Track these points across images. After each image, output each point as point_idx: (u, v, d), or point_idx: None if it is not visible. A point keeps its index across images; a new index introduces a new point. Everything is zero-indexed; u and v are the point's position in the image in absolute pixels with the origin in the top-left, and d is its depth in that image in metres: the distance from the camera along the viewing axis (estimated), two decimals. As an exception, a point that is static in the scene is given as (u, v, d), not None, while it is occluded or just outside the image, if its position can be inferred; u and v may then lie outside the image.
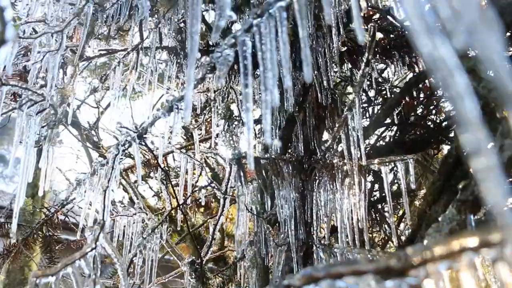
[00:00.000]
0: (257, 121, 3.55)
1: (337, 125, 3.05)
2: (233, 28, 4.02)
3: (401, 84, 4.78)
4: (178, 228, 3.26)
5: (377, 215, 4.42)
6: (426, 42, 0.59)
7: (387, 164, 2.54)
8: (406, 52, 3.22)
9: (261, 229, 2.86)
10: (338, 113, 3.45)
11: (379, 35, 3.49)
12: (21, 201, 1.96)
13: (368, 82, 3.89)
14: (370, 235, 4.51)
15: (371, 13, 3.66)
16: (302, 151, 2.96)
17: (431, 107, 4.41)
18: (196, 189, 3.02)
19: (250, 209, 2.81)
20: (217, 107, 3.50)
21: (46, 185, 2.28)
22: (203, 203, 3.50)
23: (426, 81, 3.48)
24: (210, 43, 3.84)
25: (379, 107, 4.55)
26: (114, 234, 3.12)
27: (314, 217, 2.79)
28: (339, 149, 3.26)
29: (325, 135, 3.62)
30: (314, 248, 2.76)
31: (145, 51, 3.85)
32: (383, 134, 4.63)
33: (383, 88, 4.35)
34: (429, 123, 4.45)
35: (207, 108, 3.98)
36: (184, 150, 3.30)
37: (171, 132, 2.29)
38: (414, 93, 3.84)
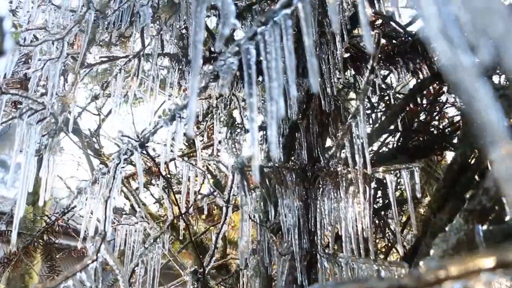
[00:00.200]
0: (260, 128, 3.52)
1: (340, 132, 3.01)
2: (235, 35, 4.00)
3: (403, 90, 4.76)
4: (181, 238, 3.23)
5: (380, 222, 4.38)
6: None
7: (392, 172, 2.50)
8: (410, 58, 3.20)
9: (264, 237, 2.82)
10: (341, 120, 3.43)
11: (382, 41, 3.46)
12: (21, 212, 1.93)
13: (371, 88, 3.86)
14: (374, 242, 4.47)
15: (373, 18, 3.64)
16: (306, 159, 2.92)
17: (434, 114, 4.38)
18: (199, 198, 2.99)
19: (253, 218, 2.78)
20: (219, 114, 3.48)
21: (47, 195, 2.24)
22: (205, 212, 3.46)
23: (430, 87, 3.45)
24: (212, 49, 3.81)
25: (382, 113, 4.52)
26: (115, 243, 3.09)
27: (318, 226, 2.75)
28: (343, 156, 3.23)
29: (328, 142, 3.59)
30: (318, 257, 2.72)
31: (146, 58, 3.83)
32: (386, 141, 4.60)
33: (386, 94, 4.33)
34: (432, 129, 4.42)
35: (209, 115, 3.95)
36: (186, 158, 3.26)
37: (173, 139, 2.26)
38: (418, 99, 3.81)
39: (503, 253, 0.59)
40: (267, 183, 2.68)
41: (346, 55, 3.34)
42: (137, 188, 4.30)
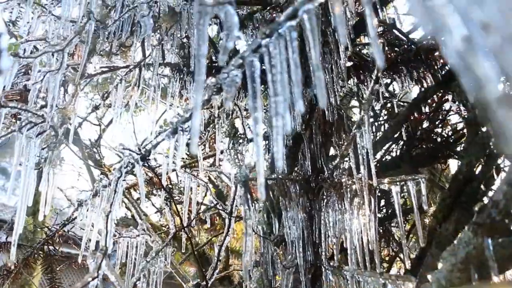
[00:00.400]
0: (263, 137, 3.48)
1: (344, 142, 2.98)
2: (236, 43, 3.97)
3: (405, 97, 4.73)
4: (183, 251, 3.19)
5: (384, 231, 4.34)
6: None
7: (397, 183, 2.46)
8: (414, 67, 3.16)
9: (268, 250, 2.78)
10: (344, 129, 3.39)
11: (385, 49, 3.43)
12: (20, 228, 1.89)
13: (374, 97, 3.83)
14: (378, 251, 4.42)
15: (376, 26, 3.60)
16: (309, 170, 2.89)
17: (438, 122, 4.34)
18: (201, 211, 2.95)
19: (256, 230, 2.74)
20: (221, 124, 3.44)
21: (47, 209, 2.21)
22: (208, 224, 3.42)
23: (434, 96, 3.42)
24: (214, 58, 3.78)
25: (385, 121, 4.49)
26: (117, 255, 3.04)
27: (323, 238, 2.71)
28: (347, 166, 3.19)
29: (332, 151, 3.55)
30: (323, 270, 2.68)
31: (147, 67, 3.80)
32: (390, 149, 4.56)
33: (389, 101, 4.29)
34: (436, 137, 4.39)
35: (211, 125, 3.92)
36: (188, 168, 3.22)
37: (175, 149, 2.22)
38: (422, 108, 3.78)
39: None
40: (271, 195, 2.64)
41: (349, 63, 3.31)
42: (138, 199, 4.26)
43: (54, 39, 2.71)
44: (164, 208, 3.65)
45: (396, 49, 3.48)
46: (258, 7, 3.89)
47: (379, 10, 2.91)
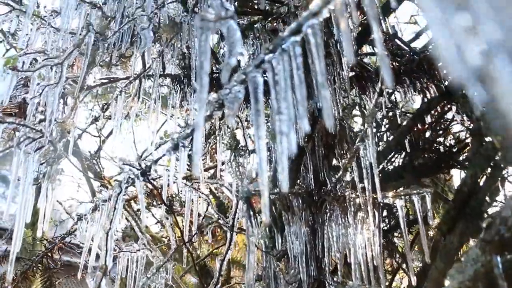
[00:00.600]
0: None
1: (346, 153, 2.94)
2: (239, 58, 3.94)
3: (407, 105, 4.69)
4: (184, 266, 3.14)
5: (387, 242, 4.29)
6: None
7: (402, 197, 2.42)
8: (417, 77, 3.13)
9: (270, 264, 2.73)
10: (346, 140, 3.35)
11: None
12: (18, 246, 1.85)
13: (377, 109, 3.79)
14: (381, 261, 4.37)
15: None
16: (312, 182, 2.84)
17: (440, 131, 4.31)
18: (203, 226, 2.91)
19: (259, 244, 2.69)
20: (222, 135, 3.40)
21: (45, 225, 2.16)
22: (209, 238, 3.38)
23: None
24: (214, 69, 3.75)
25: (386, 130, 4.45)
26: (117, 269, 2.99)
27: (326, 252, 2.67)
28: (349, 178, 3.15)
29: (334, 161, 3.51)
30: (327, 285, 2.63)
31: (148, 78, 3.76)
32: (392, 159, 4.51)
33: (392, 111, 4.26)
34: (439, 146, 4.35)
35: (212, 137, 3.88)
36: (188, 181, 3.18)
37: (177, 159, 2.18)
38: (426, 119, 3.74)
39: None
40: (273, 209, 2.60)
41: (351, 73, 3.27)
42: (138, 210, 4.21)
43: (53, 51, 2.68)
44: (165, 221, 3.61)
45: (398, 59, 3.44)
46: (259, 17, 3.87)
47: (381, 20, 2.88)
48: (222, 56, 3.94)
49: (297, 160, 2.92)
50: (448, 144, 4.40)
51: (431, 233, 4.01)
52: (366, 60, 4.22)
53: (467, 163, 4.13)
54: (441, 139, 4.38)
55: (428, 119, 4.07)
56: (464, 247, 3.49)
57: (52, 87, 2.21)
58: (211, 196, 4.71)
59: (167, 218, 2.86)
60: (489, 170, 3.05)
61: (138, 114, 5.10)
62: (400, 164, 4.35)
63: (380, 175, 3.97)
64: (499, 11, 0.46)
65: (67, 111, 2.65)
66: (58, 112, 2.77)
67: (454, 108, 3.56)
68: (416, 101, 4.04)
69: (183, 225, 3.13)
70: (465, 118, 3.55)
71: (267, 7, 3.64)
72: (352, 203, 2.60)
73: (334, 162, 3.51)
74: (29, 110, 2.26)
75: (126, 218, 4.27)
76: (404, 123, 4.18)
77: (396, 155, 4.41)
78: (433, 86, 3.15)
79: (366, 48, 4.15)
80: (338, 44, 2.67)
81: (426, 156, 4.22)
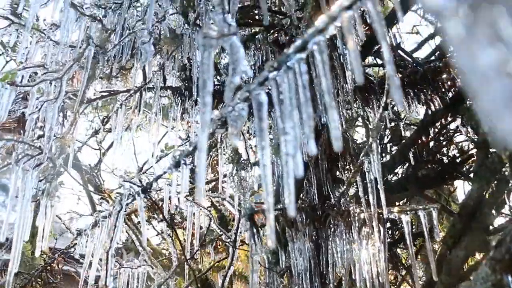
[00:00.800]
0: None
1: (350, 166, 2.89)
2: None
3: (408, 115, 4.66)
4: (186, 280, 3.09)
5: (391, 255, 4.24)
6: None
7: (408, 213, 2.37)
8: (421, 89, 3.09)
9: (273, 280, 2.69)
10: (350, 153, 3.31)
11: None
12: (16, 266, 1.81)
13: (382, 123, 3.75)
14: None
15: (380, 48, 3.54)
16: (316, 197, 2.80)
17: (444, 142, 4.26)
18: (205, 243, 2.87)
19: (262, 258, 2.64)
20: (223, 148, 3.36)
21: (44, 244, 2.12)
22: (212, 253, 3.34)
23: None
24: (215, 81, 3.72)
25: (389, 141, 4.42)
26: (117, 286, 2.95)
27: (330, 268, 2.62)
28: (353, 191, 3.10)
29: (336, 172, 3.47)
30: (331, 301, 2.58)
31: (148, 90, 3.73)
32: (395, 170, 4.47)
33: (394, 122, 4.22)
34: (442, 156, 4.31)
35: (213, 149, 3.84)
36: (190, 195, 3.14)
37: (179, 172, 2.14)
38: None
39: None
40: (276, 225, 2.56)
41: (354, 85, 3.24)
42: (138, 222, 4.17)
43: (52, 64, 2.65)
44: (166, 234, 3.57)
45: (401, 70, 3.41)
46: (260, 28, 3.84)
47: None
48: (223, 68, 3.91)
49: (300, 174, 2.87)
50: (451, 155, 4.35)
51: (435, 246, 3.95)
52: (368, 70, 4.19)
53: (471, 174, 4.09)
54: (445, 150, 4.34)
55: (432, 129, 4.02)
56: (469, 260, 3.45)
57: (51, 102, 2.18)
58: (212, 208, 4.67)
59: (169, 235, 2.81)
60: (495, 183, 3.00)
61: (139, 125, 5.06)
62: (404, 175, 4.31)
63: (384, 186, 3.93)
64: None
65: (66, 125, 2.61)
66: (58, 126, 2.74)
67: (458, 120, 3.51)
68: (419, 111, 4.00)
69: (184, 239, 3.09)
70: (469, 129, 3.51)
71: (268, 18, 3.61)
72: (356, 218, 2.55)
73: (337, 173, 3.47)
74: (28, 126, 2.22)
75: (127, 231, 4.22)
76: (408, 134, 4.14)
77: (399, 167, 4.36)
78: (437, 98, 3.11)
79: (368, 59, 4.12)
80: (341, 57, 2.64)
81: (430, 167, 4.18)
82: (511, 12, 0.42)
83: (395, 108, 4.25)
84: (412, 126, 4.28)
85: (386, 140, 4.41)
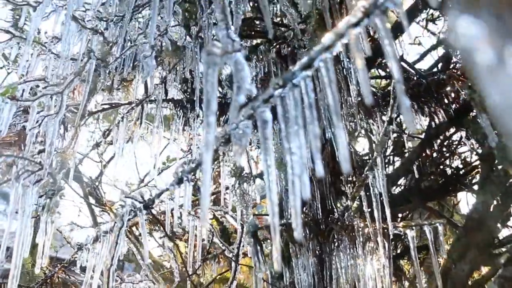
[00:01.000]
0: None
1: (353, 178, 2.86)
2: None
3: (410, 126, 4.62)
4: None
5: (395, 269, 4.19)
6: None
7: (413, 228, 2.34)
8: (425, 102, 3.07)
9: (277, 296, 2.65)
10: (353, 165, 3.28)
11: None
12: (16, 284, 1.78)
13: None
14: None
15: (384, 60, 3.52)
16: (320, 211, 2.76)
17: (447, 153, 4.23)
18: (207, 259, 2.83)
19: (265, 272, 2.61)
20: (226, 161, 3.33)
21: (44, 260, 2.09)
22: (214, 269, 3.31)
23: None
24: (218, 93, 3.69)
25: (394, 153, 4.39)
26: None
27: (334, 283, 2.58)
28: (357, 204, 3.07)
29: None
30: (335, 318, 2.54)
31: (150, 102, 3.70)
32: (398, 182, 4.43)
33: (396, 133, 4.19)
34: (445, 167, 4.27)
35: (216, 162, 3.80)
36: (192, 207, 3.11)
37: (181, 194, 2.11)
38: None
39: None
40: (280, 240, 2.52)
41: (358, 98, 3.21)
42: (139, 235, 4.13)
43: (53, 77, 2.62)
44: (167, 249, 3.53)
45: (404, 82, 3.38)
46: (262, 40, 3.82)
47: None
48: (225, 80, 3.88)
49: (303, 187, 2.83)
50: (454, 167, 4.32)
51: (440, 260, 3.92)
52: (371, 82, 4.17)
53: (474, 186, 4.06)
54: (448, 161, 4.31)
55: (435, 141, 4.00)
56: (474, 274, 3.41)
57: (52, 117, 2.15)
58: (213, 219, 4.63)
59: (171, 250, 2.78)
60: (500, 196, 2.97)
61: (141, 136, 5.04)
62: (407, 187, 4.27)
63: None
64: None
65: (67, 139, 2.58)
66: (58, 139, 2.71)
67: (463, 133, 3.48)
68: (423, 123, 3.97)
69: (186, 252, 3.05)
70: (473, 141, 3.48)
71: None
72: (360, 232, 2.52)
73: (341, 186, 3.44)
74: (28, 141, 2.19)
75: (128, 244, 4.18)
76: (410, 145, 4.11)
77: (402, 178, 4.33)
78: (441, 110, 3.08)
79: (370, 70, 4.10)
80: (344, 70, 2.61)
81: (433, 179, 4.14)
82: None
83: (398, 118, 4.23)
84: (415, 138, 4.25)
85: (389, 151, 4.38)
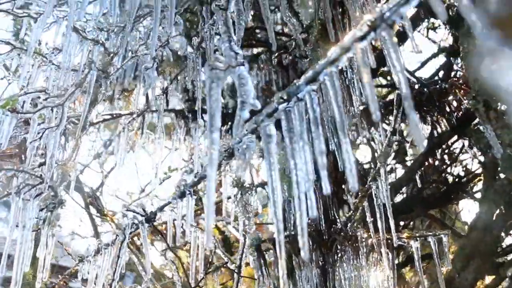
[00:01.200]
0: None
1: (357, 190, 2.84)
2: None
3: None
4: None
5: (398, 278, 4.17)
6: None
7: (417, 239, 2.32)
8: (427, 111, 3.05)
9: (280, 308, 2.62)
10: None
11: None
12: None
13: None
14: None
15: (386, 69, 3.52)
16: (322, 221, 2.74)
17: (449, 161, 4.22)
18: (209, 272, 2.81)
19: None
20: (227, 171, 3.31)
21: (45, 274, 2.07)
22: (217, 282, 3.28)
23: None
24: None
25: (396, 161, 4.38)
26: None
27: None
28: (359, 213, 3.05)
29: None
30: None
31: (151, 112, 3.69)
32: (400, 191, 4.41)
33: (398, 141, 4.18)
34: (446, 174, 4.26)
35: (217, 172, 3.79)
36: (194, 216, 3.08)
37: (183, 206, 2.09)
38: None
39: None
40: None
41: (361, 107, 3.20)
42: (141, 244, 4.11)
43: (54, 89, 2.61)
44: (169, 260, 3.50)
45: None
46: (263, 49, 3.82)
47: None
48: (226, 90, 3.88)
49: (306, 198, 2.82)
50: (456, 174, 4.31)
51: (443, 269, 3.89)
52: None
53: (476, 194, 4.04)
54: (450, 169, 4.30)
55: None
56: (479, 284, 3.38)
57: (53, 130, 2.14)
58: (216, 230, 4.61)
59: (172, 262, 2.76)
60: (504, 205, 2.95)
61: (142, 146, 5.03)
62: (409, 195, 4.25)
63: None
64: None
65: (68, 151, 2.57)
66: (59, 150, 2.69)
67: (466, 142, 3.47)
68: (425, 132, 3.96)
69: (188, 262, 3.03)
70: (476, 150, 3.46)
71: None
72: (364, 243, 2.50)
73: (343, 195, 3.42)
74: (29, 154, 2.17)
75: (129, 254, 4.15)
76: (412, 152, 4.10)
77: (404, 187, 4.31)
78: (443, 119, 3.07)
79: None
80: (346, 80, 2.60)
81: (435, 187, 4.13)
82: None
83: (400, 126, 4.21)
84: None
85: (390, 159, 4.37)
